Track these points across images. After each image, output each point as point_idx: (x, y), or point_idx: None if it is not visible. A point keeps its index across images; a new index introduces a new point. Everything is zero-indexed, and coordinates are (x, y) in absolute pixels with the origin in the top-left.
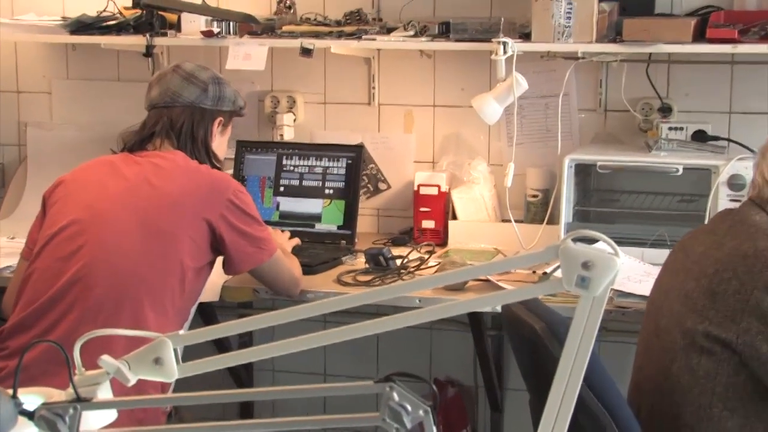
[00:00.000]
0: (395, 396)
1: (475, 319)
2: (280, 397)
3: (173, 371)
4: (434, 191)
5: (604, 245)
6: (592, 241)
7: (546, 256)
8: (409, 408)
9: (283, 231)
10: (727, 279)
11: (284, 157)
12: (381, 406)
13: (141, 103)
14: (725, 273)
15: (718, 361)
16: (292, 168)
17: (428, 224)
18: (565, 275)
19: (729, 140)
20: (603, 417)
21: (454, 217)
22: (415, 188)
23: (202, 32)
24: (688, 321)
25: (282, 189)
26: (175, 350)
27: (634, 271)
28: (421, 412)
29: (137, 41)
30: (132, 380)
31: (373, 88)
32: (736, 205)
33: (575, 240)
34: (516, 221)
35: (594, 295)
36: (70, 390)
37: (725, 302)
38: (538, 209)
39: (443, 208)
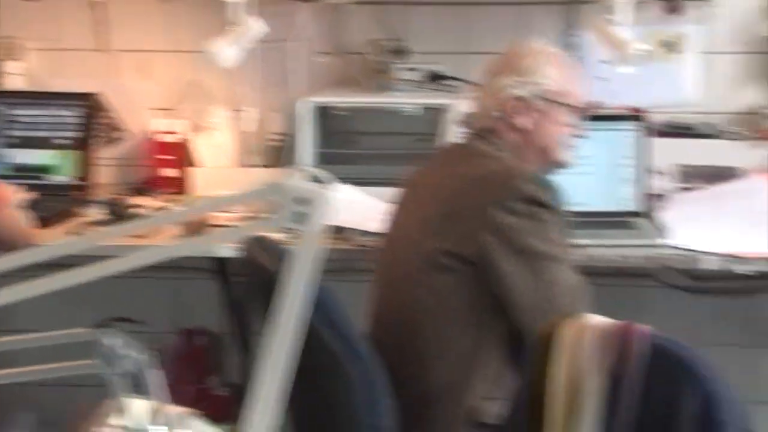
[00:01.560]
0: (112, 342)
1: (221, 265)
2: None
3: None
4: (174, 138)
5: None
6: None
7: (259, 195)
8: (126, 353)
9: (10, 184)
10: (462, 200)
11: (11, 107)
12: (94, 353)
13: None
14: (460, 196)
15: (458, 278)
16: (20, 119)
17: (168, 172)
18: (279, 212)
19: (464, 81)
20: (338, 352)
21: (196, 165)
22: (154, 136)
23: None
24: (427, 244)
25: (10, 141)
26: None
27: (376, 211)
28: (134, 355)
29: None
30: None
31: (107, 33)
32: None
33: (301, 179)
34: (258, 166)
35: (310, 230)
36: None
37: (462, 221)
38: (280, 153)
39: (183, 155)
